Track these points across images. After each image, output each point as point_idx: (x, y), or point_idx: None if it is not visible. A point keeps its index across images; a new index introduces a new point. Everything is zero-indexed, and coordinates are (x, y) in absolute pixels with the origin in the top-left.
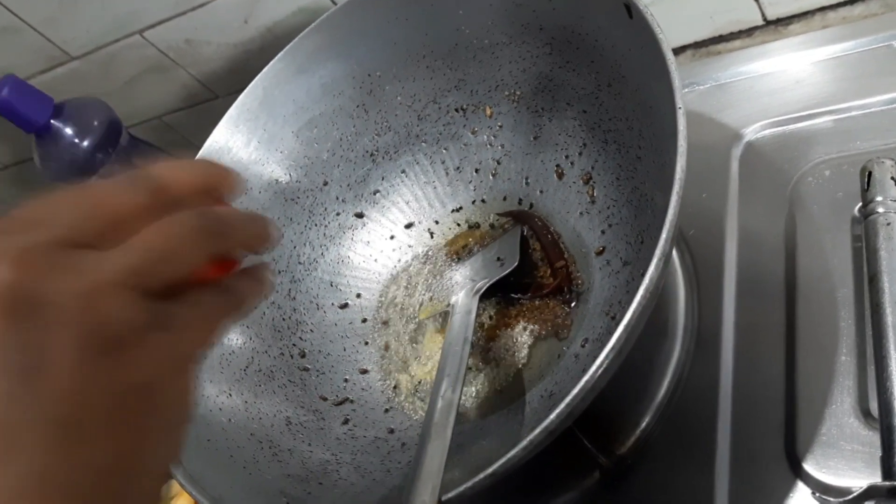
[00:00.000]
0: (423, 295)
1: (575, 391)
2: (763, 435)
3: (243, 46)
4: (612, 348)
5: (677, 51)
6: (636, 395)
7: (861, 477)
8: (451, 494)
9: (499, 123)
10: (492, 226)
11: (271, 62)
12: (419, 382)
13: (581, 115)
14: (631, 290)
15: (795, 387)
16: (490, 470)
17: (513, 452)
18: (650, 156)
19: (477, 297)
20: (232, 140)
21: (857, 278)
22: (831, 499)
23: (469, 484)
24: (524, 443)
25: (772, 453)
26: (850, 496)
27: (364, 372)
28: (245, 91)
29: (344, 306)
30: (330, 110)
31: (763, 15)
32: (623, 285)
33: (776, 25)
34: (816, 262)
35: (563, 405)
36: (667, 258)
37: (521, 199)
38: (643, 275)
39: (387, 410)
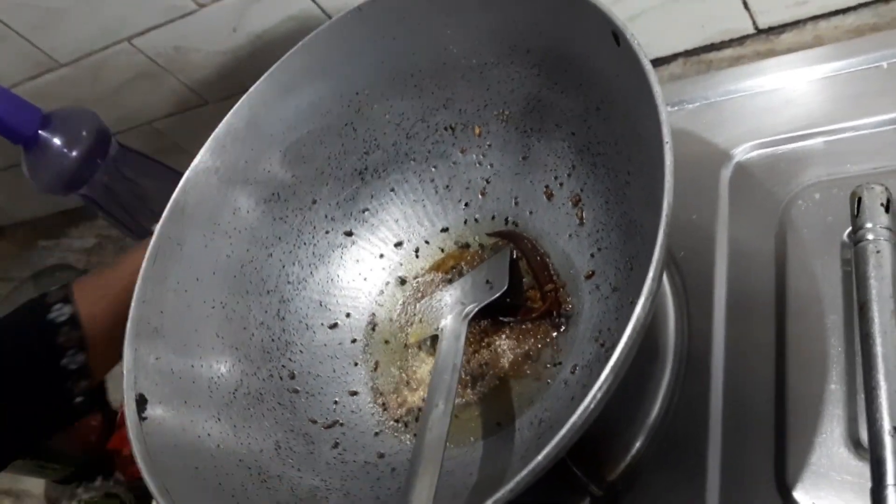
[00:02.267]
0: (413, 316)
1: (563, 431)
2: (753, 461)
3: (233, 53)
4: (600, 387)
5: (668, 59)
6: (626, 420)
7: None
8: None
9: (488, 143)
10: (481, 245)
11: (258, 82)
12: (408, 406)
13: (570, 136)
14: (620, 317)
15: (785, 413)
16: None
17: (500, 493)
18: (639, 181)
19: (466, 321)
20: (219, 160)
21: (846, 304)
22: None
23: None
24: (511, 484)
25: (762, 480)
26: None
27: (354, 394)
28: (232, 111)
29: (333, 326)
30: (318, 129)
31: (754, 24)
32: (612, 311)
33: (767, 34)
34: (806, 286)
35: (550, 445)
36: (655, 294)
37: (508, 219)
38: (632, 303)
39: (377, 434)
